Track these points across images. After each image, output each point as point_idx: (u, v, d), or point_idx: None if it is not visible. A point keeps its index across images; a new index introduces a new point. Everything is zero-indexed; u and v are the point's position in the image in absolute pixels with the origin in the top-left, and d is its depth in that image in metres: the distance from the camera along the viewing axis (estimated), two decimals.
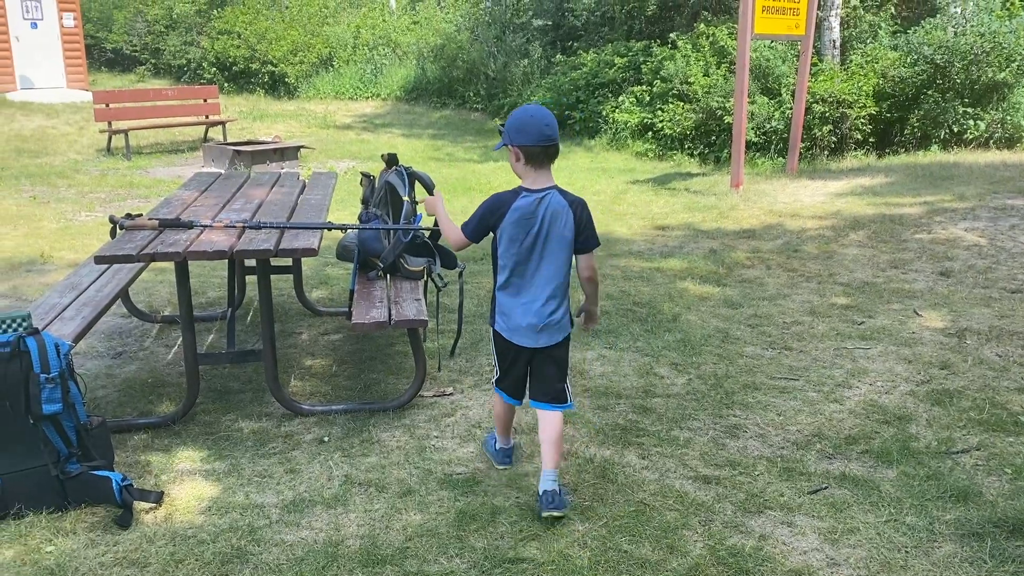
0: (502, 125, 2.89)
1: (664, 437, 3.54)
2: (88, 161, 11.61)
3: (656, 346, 4.59)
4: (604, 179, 10.22)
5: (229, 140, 12.68)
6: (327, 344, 4.69)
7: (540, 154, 2.82)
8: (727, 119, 10.90)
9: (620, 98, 13.08)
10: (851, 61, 11.20)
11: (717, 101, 11.08)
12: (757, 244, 6.65)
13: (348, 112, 16.99)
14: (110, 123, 12.03)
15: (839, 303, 5.24)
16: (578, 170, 10.98)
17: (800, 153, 9.74)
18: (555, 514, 2.86)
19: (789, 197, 8.29)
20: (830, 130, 10.45)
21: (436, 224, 3.29)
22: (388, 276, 4.12)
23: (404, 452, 3.42)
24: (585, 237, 2.91)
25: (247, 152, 11.00)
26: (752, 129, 10.59)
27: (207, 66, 19.40)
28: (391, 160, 4.05)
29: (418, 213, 4.05)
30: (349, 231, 4.21)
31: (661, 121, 11.88)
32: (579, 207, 2.88)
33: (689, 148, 11.61)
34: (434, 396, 3.97)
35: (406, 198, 3.95)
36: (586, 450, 3.43)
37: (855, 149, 10.66)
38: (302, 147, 11.89)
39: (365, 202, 4.15)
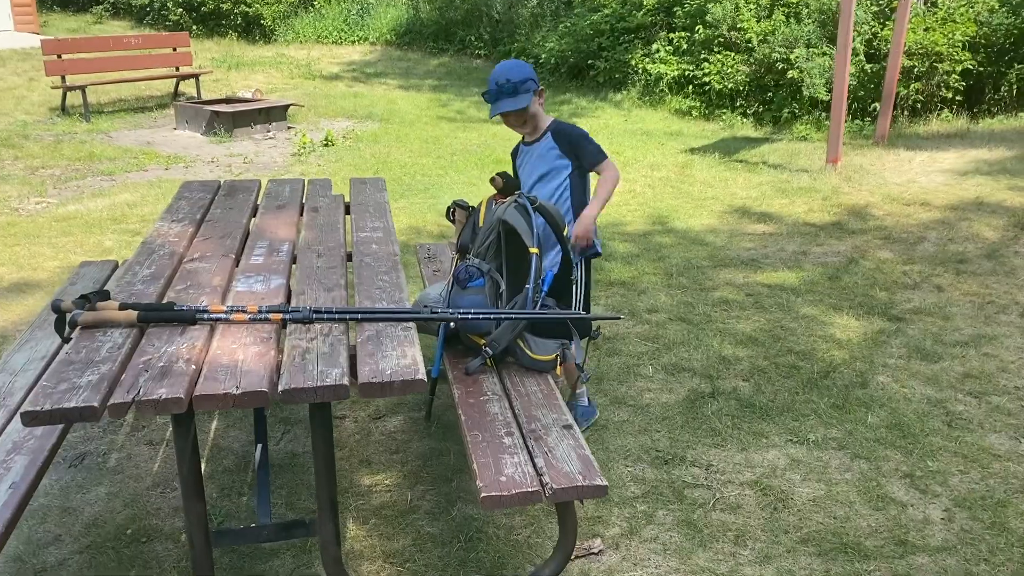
0: (485, 93, 2.79)
1: None
2: (39, 123, 9.83)
3: (862, 437, 3.19)
4: (653, 146, 8.69)
5: (203, 96, 10.93)
6: (384, 439, 3.23)
7: None
8: (790, 73, 9.37)
9: (653, 46, 11.45)
10: (936, 5, 9.65)
11: (779, 52, 9.52)
12: (903, 250, 5.22)
13: (333, 59, 15.12)
14: (63, 77, 10.18)
15: None
16: (616, 132, 9.41)
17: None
18: None
19: (898, 176, 6.84)
20: (918, 88, 8.96)
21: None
22: (496, 364, 2.65)
23: None
24: None
25: (227, 113, 9.31)
26: (823, 85, 9.08)
27: (172, 7, 17.30)
28: (509, 185, 2.54)
29: (547, 271, 2.58)
30: (429, 291, 2.73)
31: (707, 74, 10.30)
32: None
33: (742, 106, 10.07)
34: (577, 557, 2.55)
35: (534, 249, 2.46)
36: None
37: (940, 109, 9.20)
38: (291, 105, 10.20)
39: (463, 250, 2.63)
